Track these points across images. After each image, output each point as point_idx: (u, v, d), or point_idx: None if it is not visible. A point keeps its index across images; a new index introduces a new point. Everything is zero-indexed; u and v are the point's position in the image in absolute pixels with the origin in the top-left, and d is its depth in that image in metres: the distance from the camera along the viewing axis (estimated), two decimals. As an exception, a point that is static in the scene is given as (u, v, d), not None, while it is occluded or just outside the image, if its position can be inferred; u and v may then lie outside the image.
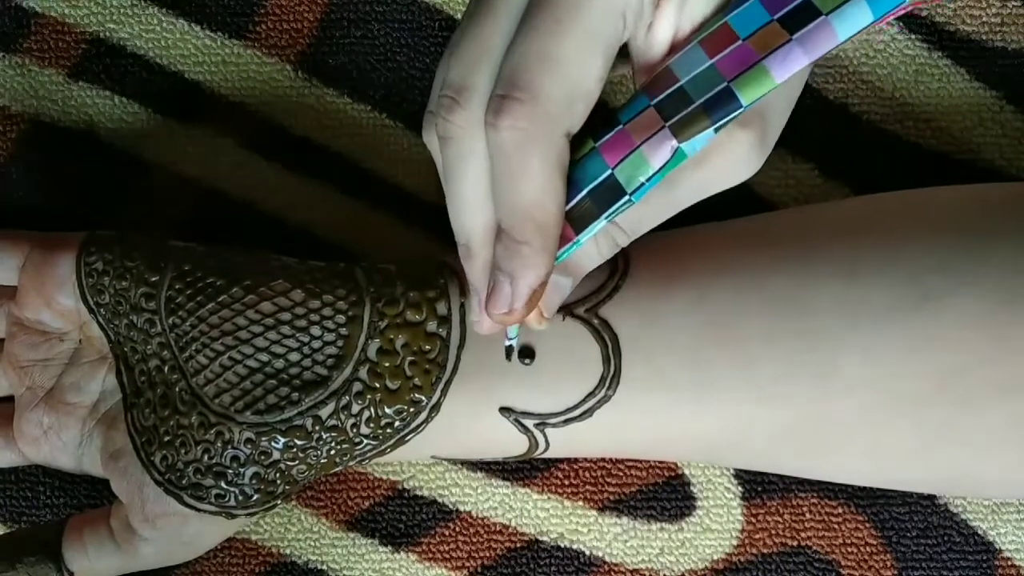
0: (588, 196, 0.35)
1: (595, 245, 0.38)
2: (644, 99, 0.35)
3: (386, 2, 0.51)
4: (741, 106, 0.34)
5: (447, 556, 0.49)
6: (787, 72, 0.33)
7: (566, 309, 0.43)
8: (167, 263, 0.45)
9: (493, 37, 0.34)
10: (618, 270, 0.44)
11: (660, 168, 0.35)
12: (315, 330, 0.43)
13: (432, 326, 0.44)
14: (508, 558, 0.49)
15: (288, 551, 0.50)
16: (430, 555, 0.49)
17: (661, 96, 0.35)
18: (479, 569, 0.49)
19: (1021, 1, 0.50)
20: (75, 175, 0.51)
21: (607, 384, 0.43)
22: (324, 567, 0.49)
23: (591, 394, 0.43)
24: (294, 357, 0.43)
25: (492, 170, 0.35)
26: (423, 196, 0.51)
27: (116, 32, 0.51)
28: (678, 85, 0.34)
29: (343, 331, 0.43)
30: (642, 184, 0.35)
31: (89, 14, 0.51)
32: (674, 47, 0.35)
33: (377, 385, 0.43)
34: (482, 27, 0.34)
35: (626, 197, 0.35)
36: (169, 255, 0.45)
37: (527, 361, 0.43)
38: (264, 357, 0.43)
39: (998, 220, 0.42)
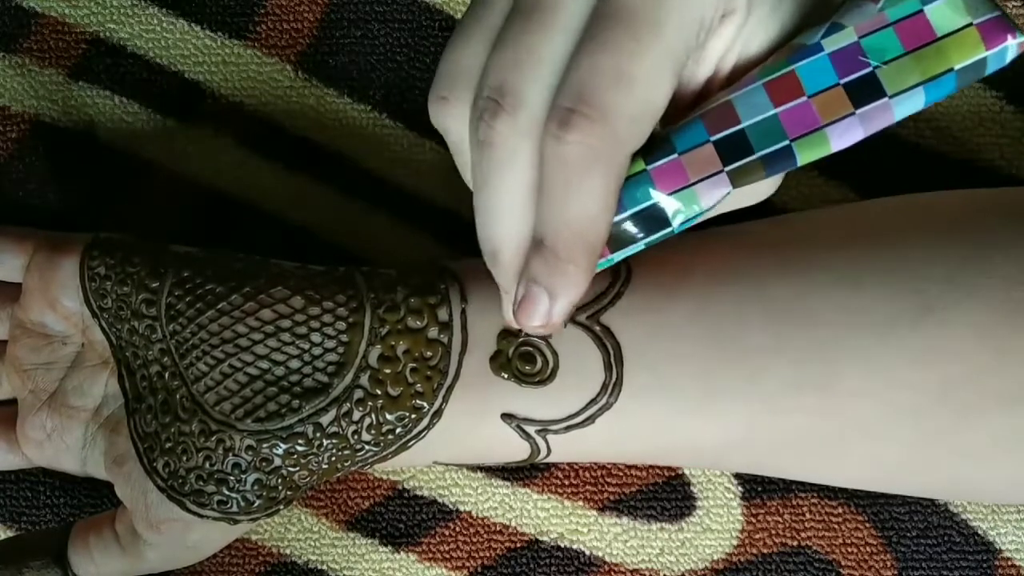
0: (630, 218, 0.35)
1: None
2: (702, 130, 0.35)
3: (386, 2, 0.51)
4: (796, 165, 0.34)
5: (447, 556, 0.49)
6: (845, 143, 0.34)
7: None
8: (167, 269, 0.45)
9: (554, 47, 0.32)
10: (620, 276, 0.43)
11: (709, 207, 0.35)
12: (315, 337, 0.43)
13: (433, 332, 0.43)
14: (508, 558, 0.49)
15: (288, 551, 0.50)
16: (430, 555, 0.49)
17: (722, 135, 0.34)
18: (479, 569, 0.49)
19: (1021, 1, 0.50)
20: (75, 175, 0.51)
21: (608, 391, 0.43)
22: (324, 567, 0.50)
23: (592, 401, 0.43)
24: (294, 364, 0.43)
25: (543, 182, 0.33)
26: (423, 196, 0.51)
27: (116, 32, 0.51)
28: (740, 128, 0.34)
29: (343, 338, 0.43)
30: (688, 219, 0.35)
31: (89, 14, 0.51)
32: (717, 72, 0.35)
33: (378, 392, 0.43)
34: (542, 35, 0.32)
35: (670, 228, 0.35)
36: (169, 261, 0.45)
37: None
38: (264, 364, 0.43)
39: (1001, 229, 0.41)
